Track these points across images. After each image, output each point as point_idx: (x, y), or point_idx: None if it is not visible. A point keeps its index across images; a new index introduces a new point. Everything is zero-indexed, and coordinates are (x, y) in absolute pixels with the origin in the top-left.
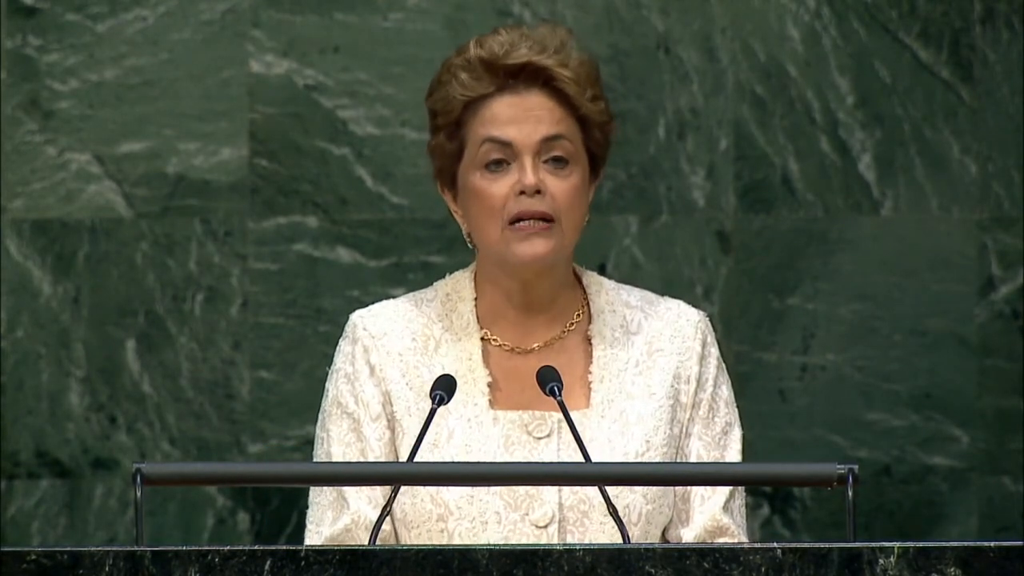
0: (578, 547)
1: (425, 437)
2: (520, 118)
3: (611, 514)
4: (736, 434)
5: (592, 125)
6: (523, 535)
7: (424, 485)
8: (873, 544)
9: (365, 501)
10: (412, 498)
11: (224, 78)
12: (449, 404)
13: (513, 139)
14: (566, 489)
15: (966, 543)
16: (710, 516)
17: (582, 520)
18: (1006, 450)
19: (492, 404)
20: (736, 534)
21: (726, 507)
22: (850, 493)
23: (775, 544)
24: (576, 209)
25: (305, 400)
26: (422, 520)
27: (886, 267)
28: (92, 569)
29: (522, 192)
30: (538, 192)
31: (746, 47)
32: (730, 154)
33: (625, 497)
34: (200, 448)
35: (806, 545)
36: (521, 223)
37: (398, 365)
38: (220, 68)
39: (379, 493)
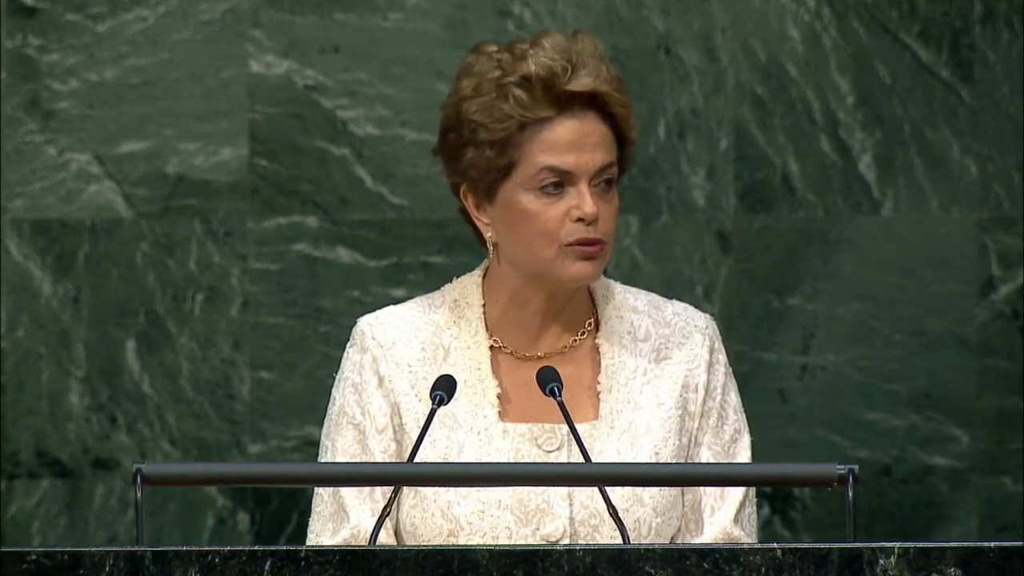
0: (578, 547)
1: (435, 450)
2: (579, 144)
3: (611, 514)
4: (745, 441)
5: (628, 144)
6: None
7: (423, 486)
8: (873, 544)
9: (368, 514)
10: (423, 512)
11: (224, 78)
12: (459, 416)
13: (573, 168)
14: (576, 503)
15: (966, 543)
16: (721, 529)
17: (593, 535)
18: (1006, 450)
19: (502, 416)
20: None
21: (737, 519)
22: (850, 493)
23: (775, 544)
24: (615, 228)
25: (305, 400)
26: (433, 535)
27: (886, 267)
28: (92, 569)
29: (579, 219)
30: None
31: (746, 47)
32: (730, 154)
33: (635, 511)
34: (200, 448)
35: (806, 545)
36: (579, 247)
37: (407, 376)
38: (220, 68)
39: (382, 504)
